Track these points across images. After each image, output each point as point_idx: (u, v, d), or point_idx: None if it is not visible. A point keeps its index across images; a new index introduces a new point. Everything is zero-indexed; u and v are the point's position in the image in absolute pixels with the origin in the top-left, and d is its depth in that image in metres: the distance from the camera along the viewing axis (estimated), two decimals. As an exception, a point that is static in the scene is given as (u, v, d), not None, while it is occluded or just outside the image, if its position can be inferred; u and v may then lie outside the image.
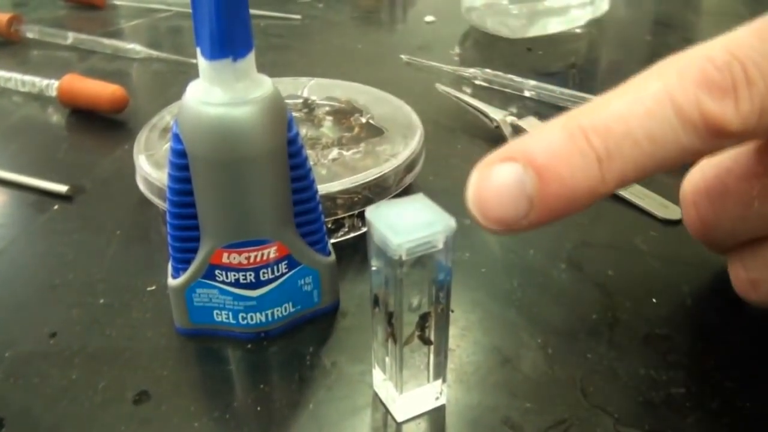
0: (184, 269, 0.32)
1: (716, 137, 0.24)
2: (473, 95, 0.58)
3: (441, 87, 0.58)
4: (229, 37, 0.27)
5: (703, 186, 0.31)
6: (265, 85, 0.29)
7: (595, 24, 0.80)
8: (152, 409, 0.30)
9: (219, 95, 0.28)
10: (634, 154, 0.24)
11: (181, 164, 0.30)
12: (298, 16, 0.84)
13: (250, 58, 0.29)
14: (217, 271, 0.32)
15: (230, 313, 0.33)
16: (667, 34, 0.80)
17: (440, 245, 0.25)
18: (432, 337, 0.28)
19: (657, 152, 0.24)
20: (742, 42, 0.24)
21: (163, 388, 0.31)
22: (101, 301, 0.36)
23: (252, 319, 0.33)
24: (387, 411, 0.30)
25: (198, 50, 0.28)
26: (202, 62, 0.28)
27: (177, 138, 0.29)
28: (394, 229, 0.25)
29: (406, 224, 0.25)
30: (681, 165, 0.26)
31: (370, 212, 0.25)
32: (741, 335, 0.34)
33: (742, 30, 0.25)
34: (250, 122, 0.28)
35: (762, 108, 0.24)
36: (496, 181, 0.25)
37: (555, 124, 0.25)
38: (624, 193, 0.44)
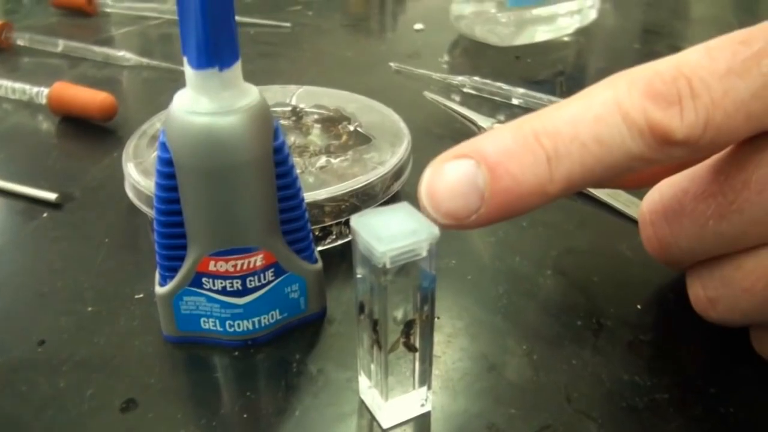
0: (172, 277, 0.32)
1: (662, 144, 0.25)
2: (462, 103, 0.58)
3: (429, 95, 0.58)
4: (216, 46, 0.27)
5: (660, 206, 0.32)
6: (251, 94, 0.29)
7: (583, 32, 0.81)
8: (139, 417, 0.30)
9: (206, 104, 0.28)
10: (582, 155, 0.25)
11: (168, 172, 0.30)
12: (287, 24, 0.84)
13: (237, 68, 0.29)
14: (204, 279, 0.32)
15: (217, 321, 0.33)
16: (655, 42, 0.80)
17: (424, 253, 0.26)
18: (417, 344, 0.28)
19: (604, 156, 0.25)
20: (692, 59, 0.26)
21: (150, 395, 0.31)
22: (89, 308, 0.36)
23: (239, 326, 0.33)
24: (373, 418, 0.30)
25: (185, 59, 0.28)
26: (188, 71, 0.28)
27: (164, 146, 0.29)
28: (378, 237, 0.25)
29: (390, 232, 0.25)
30: (629, 172, 0.26)
31: (355, 220, 0.26)
32: (724, 342, 0.34)
33: (694, 48, 0.26)
34: (237, 131, 0.28)
35: (707, 120, 0.25)
36: (448, 175, 0.26)
37: (508, 126, 0.26)
38: (609, 199, 0.45)
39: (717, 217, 0.29)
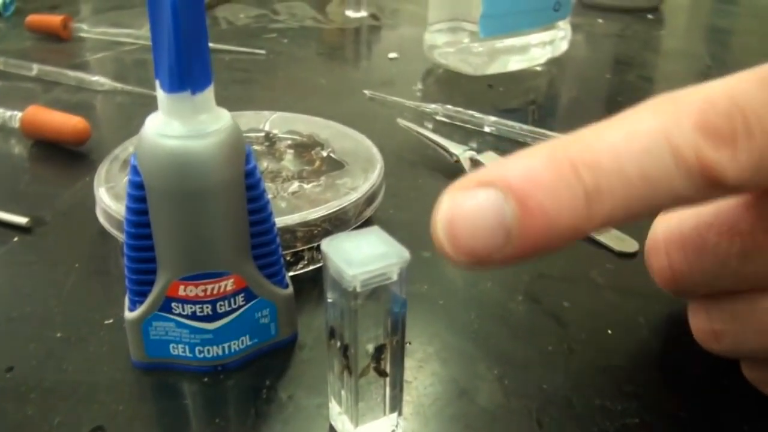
0: (141, 302, 0.32)
1: (710, 186, 0.23)
2: (434, 130, 0.59)
3: (402, 122, 0.59)
4: (188, 70, 0.27)
5: (679, 237, 0.30)
6: (223, 119, 0.29)
7: (555, 62, 0.82)
8: (107, 445, 0.30)
9: (177, 128, 0.28)
10: (625, 192, 0.22)
11: (138, 196, 0.30)
12: (262, 51, 0.84)
13: (209, 92, 0.29)
14: (173, 304, 0.32)
15: (187, 347, 0.33)
16: (626, 73, 0.81)
17: (395, 277, 0.26)
18: (387, 369, 0.28)
19: (648, 193, 0.23)
20: (744, 89, 0.23)
21: (118, 423, 0.31)
22: (58, 334, 0.36)
23: (209, 352, 0.33)
24: (343, 444, 0.30)
25: (157, 83, 0.28)
26: (161, 95, 0.28)
27: (135, 170, 0.29)
28: (348, 261, 0.25)
29: (360, 256, 0.25)
30: (663, 211, 0.25)
31: (326, 244, 0.26)
32: (695, 366, 0.34)
33: (743, 76, 0.24)
34: (208, 155, 0.28)
35: (760, 162, 0.23)
36: (471, 206, 0.22)
37: (540, 151, 0.23)
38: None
39: (741, 257, 0.27)
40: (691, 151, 0.22)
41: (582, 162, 0.22)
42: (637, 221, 0.24)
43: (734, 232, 0.27)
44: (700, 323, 0.31)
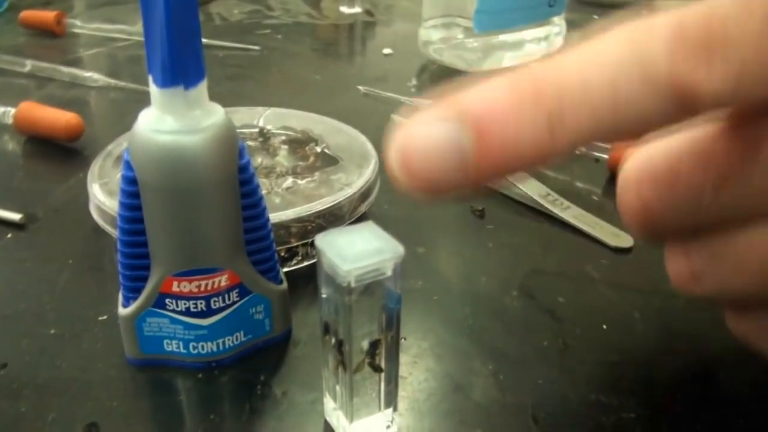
0: (135, 298, 0.32)
1: (685, 104, 0.21)
2: (429, 126, 0.58)
3: (397, 117, 0.59)
4: (181, 65, 0.27)
5: (651, 171, 0.27)
6: (216, 114, 0.29)
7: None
8: (101, 442, 0.30)
9: (170, 123, 0.28)
10: (590, 114, 0.22)
11: (132, 191, 0.29)
12: (256, 47, 0.84)
13: (202, 87, 0.29)
14: (167, 300, 0.31)
15: (181, 343, 0.33)
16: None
17: (389, 272, 0.25)
18: (382, 365, 0.28)
19: (615, 116, 0.22)
20: (722, 4, 0.21)
21: (112, 419, 0.31)
22: (52, 331, 0.36)
23: (203, 348, 0.33)
24: (338, 439, 0.30)
25: (150, 78, 0.28)
26: (153, 90, 0.28)
27: (128, 165, 0.29)
28: (342, 257, 0.25)
29: (355, 251, 0.25)
30: (635, 135, 0.23)
31: (320, 240, 0.26)
32: (690, 361, 0.34)
33: None
34: (201, 150, 0.28)
35: (739, 75, 0.21)
36: (425, 133, 0.22)
37: (505, 75, 0.22)
38: (575, 221, 0.45)
39: (717, 187, 0.25)
40: (664, 67, 0.21)
41: (545, 83, 0.22)
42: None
43: (709, 160, 0.25)
44: (678, 266, 0.29)
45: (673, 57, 0.21)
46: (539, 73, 0.22)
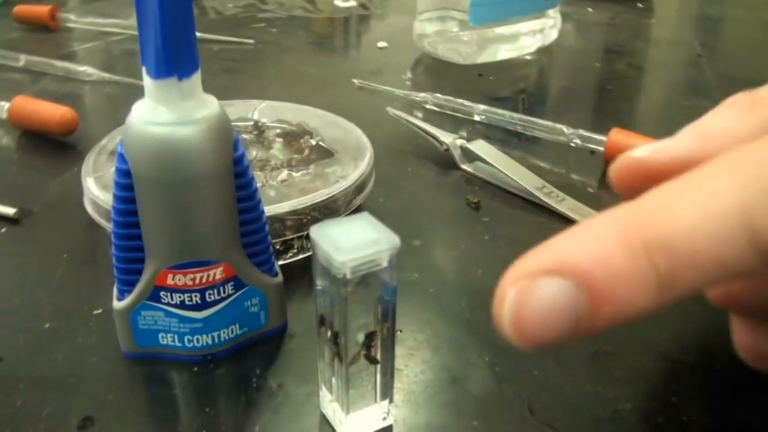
0: (129, 291, 0.32)
1: None
2: (424, 119, 0.58)
3: (392, 110, 0.58)
4: (175, 56, 0.27)
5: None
6: (211, 105, 0.29)
7: (544, 51, 0.81)
8: (96, 435, 0.30)
9: (164, 114, 0.28)
10: (695, 277, 0.21)
11: (126, 184, 0.29)
12: (251, 41, 0.84)
13: (196, 78, 0.28)
14: (162, 293, 0.31)
15: (176, 336, 0.33)
16: (615, 61, 0.81)
17: (385, 263, 0.25)
18: (378, 357, 0.28)
19: (716, 277, 0.21)
20: None
21: (107, 413, 0.31)
22: (47, 325, 0.36)
23: (198, 341, 0.33)
24: (334, 431, 0.30)
25: (144, 69, 0.28)
26: (147, 81, 0.28)
27: (122, 158, 0.29)
28: (338, 248, 0.25)
29: (350, 243, 0.25)
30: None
31: (315, 231, 0.25)
32: (687, 352, 0.34)
33: None
34: (196, 142, 0.28)
35: None
36: (541, 299, 0.21)
37: (607, 228, 0.21)
38: (571, 213, 0.45)
39: None
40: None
41: (658, 246, 0.21)
42: None
43: None
44: (746, 342, 0.30)
45: None
46: (647, 225, 0.21)
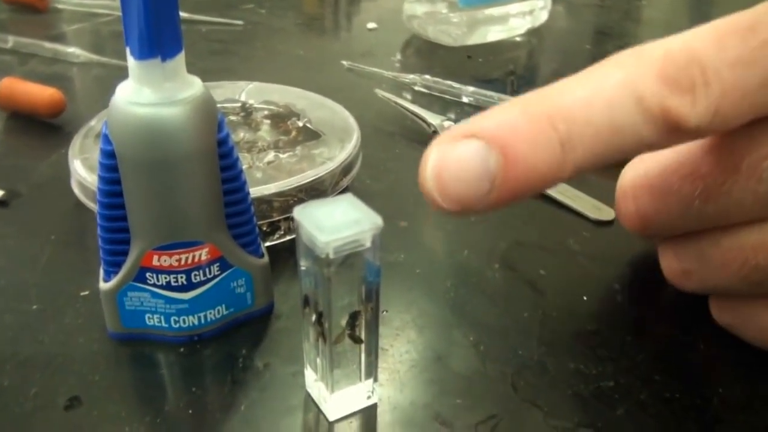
0: (115, 272, 0.32)
1: (672, 132, 0.25)
2: (413, 101, 0.58)
3: (380, 92, 0.58)
4: (158, 36, 0.27)
5: (646, 182, 0.32)
6: (194, 86, 0.29)
7: (534, 33, 0.81)
8: (83, 415, 0.30)
9: (148, 95, 0.28)
10: (594, 141, 0.25)
11: (110, 165, 0.29)
12: (240, 22, 0.83)
13: (180, 59, 0.28)
14: (148, 274, 0.31)
15: (162, 317, 0.33)
16: (606, 43, 0.81)
17: (368, 243, 0.26)
18: (362, 336, 0.28)
19: (615, 142, 0.25)
20: (702, 44, 0.25)
21: (94, 393, 0.31)
22: (34, 306, 0.36)
23: (184, 322, 0.33)
24: (319, 411, 0.30)
25: (127, 50, 0.28)
26: (131, 62, 0.28)
27: (106, 138, 0.29)
28: (321, 228, 0.25)
29: (333, 223, 0.25)
30: (631, 157, 0.27)
31: (298, 212, 0.26)
32: (670, 330, 0.35)
33: (702, 32, 0.26)
34: (179, 122, 0.28)
35: (716, 109, 0.25)
36: (458, 157, 0.24)
37: (514, 105, 0.25)
38: (557, 195, 0.45)
39: (703, 198, 0.29)
40: (654, 100, 0.24)
41: (557, 115, 0.24)
42: (607, 166, 0.26)
43: (696, 175, 0.29)
44: (670, 263, 0.33)
45: (663, 92, 0.24)
46: (549, 104, 0.25)
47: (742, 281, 0.30)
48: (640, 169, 0.32)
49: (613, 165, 0.28)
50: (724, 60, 0.25)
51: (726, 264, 0.30)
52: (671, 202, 0.31)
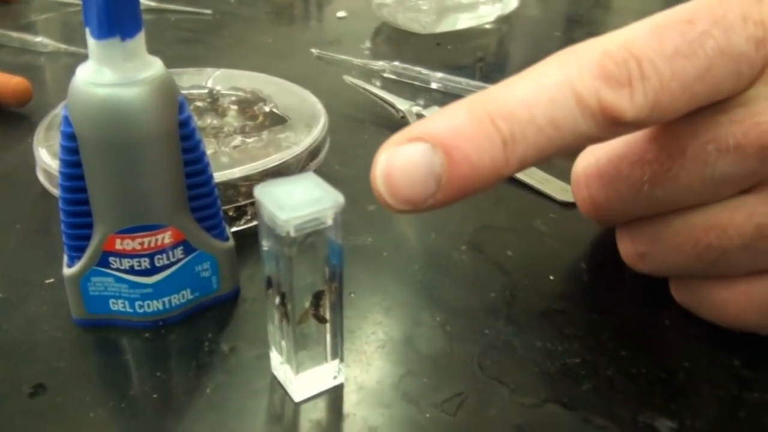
0: (79, 257, 0.31)
1: (612, 125, 0.26)
2: (382, 88, 0.58)
3: (349, 78, 0.58)
4: (117, 15, 0.27)
5: (596, 169, 0.33)
6: (155, 66, 0.29)
7: (504, 20, 0.81)
8: (48, 402, 0.29)
9: (108, 76, 0.28)
10: (537, 138, 0.26)
11: (71, 147, 0.29)
12: (209, 11, 0.83)
13: (140, 39, 0.28)
14: (111, 258, 0.31)
15: (126, 302, 0.32)
16: (575, 30, 0.82)
17: (329, 221, 0.25)
18: (327, 316, 0.28)
19: (556, 137, 0.26)
20: (639, 39, 0.26)
21: (59, 380, 0.30)
22: (-1, 295, 0.35)
23: (149, 307, 0.32)
24: (285, 393, 0.30)
25: (87, 30, 0.28)
26: (90, 42, 0.28)
27: (67, 120, 0.29)
28: (281, 206, 0.25)
29: (294, 201, 0.25)
30: (578, 149, 0.28)
31: (259, 190, 0.25)
32: (635, 307, 0.35)
33: (641, 26, 0.27)
34: (140, 103, 0.28)
35: (655, 102, 0.26)
36: (404, 159, 0.25)
37: (459, 106, 0.26)
38: (524, 177, 0.45)
39: (652, 183, 0.30)
40: (592, 97, 0.25)
41: (498, 114, 0.25)
42: (552, 160, 0.27)
43: (644, 161, 0.30)
44: (627, 247, 0.34)
45: (600, 88, 0.25)
46: (491, 104, 0.26)
47: (696, 261, 0.31)
48: (591, 157, 0.33)
49: (569, 153, 0.29)
50: (661, 53, 0.26)
51: (679, 245, 0.31)
52: (621, 188, 0.32)
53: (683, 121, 0.28)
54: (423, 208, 0.26)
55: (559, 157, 0.27)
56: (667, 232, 0.31)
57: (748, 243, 0.29)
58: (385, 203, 0.26)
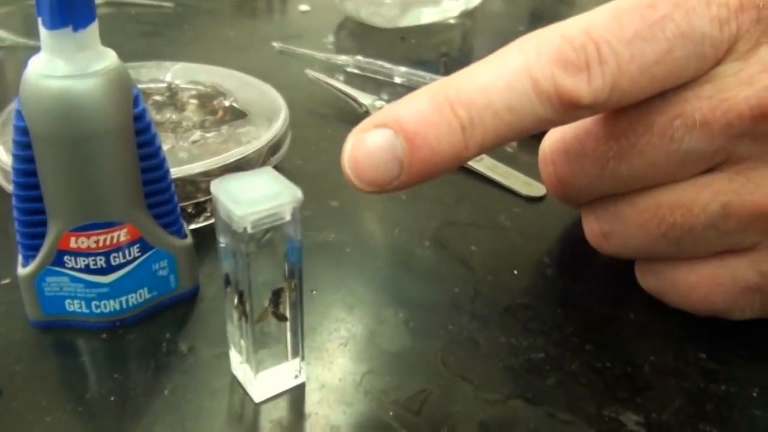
0: (33, 256, 0.31)
1: (569, 109, 0.27)
2: (345, 82, 0.58)
3: (311, 73, 0.58)
4: (69, 5, 0.26)
5: (562, 146, 0.33)
6: (109, 58, 0.28)
7: (468, 15, 0.81)
8: (3, 406, 0.29)
9: (60, 67, 0.27)
10: (495, 123, 0.27)
11: (23, 142, 0.28)
12: (170, 4, 0.81)
13: (93, 29, 0.27)
14: (66, 257, 0.30)
15: (83, 302, 0.32)
16: (539, 25, 0.81)
17: (287, 217, 0.25)
18: (287, 314, 0.27)
19: (515, 122, 0.27)
20: (600, 23, 0.27)
21: (15, 384, 0.30)
22: (-48, 297, 0.34)
23: (105, 307, 0.32)
24: (245, 392, 0.29)
25: (39, 20, 0.27)
26: (42, 32, 0.27)
27: (19, 114, 0.28)
28: (237, 202, 0.24)
29: (251, 196, 0.24)
30: (538, 132, 0.28)
31: (215, 185, 0.25)
32: (600, 302, 0.35)
33: (602, 10, 0.27)
34: (93, 96, 0.27)
35: (613, 85, 0.26)
36: (369, 145, 0.27)
37: (422, 94, 0.27)
38: (489, 172, 0.45)
39: (617, 159, 0.30)
40: (549, 82, 0.26)
41: (458, 100, 0.27)
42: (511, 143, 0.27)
43: (610, 136, 0.30)
44: (591, 226, 0.34)
45: (556, 73, 0.26)
46: (451, 91, 0.27)
47: (661, 240, 0.31)
48: (557, 133, 0.34)
49: (534, 136, 0.29)
50: (620, 37, 0.26)
51: (644, 223, 0.31)
52: (587, 164, 0.32)
53: (650, 97, 0.28)
54: (390, 189, 0.27)
55: (521, 138, 0.28)
56: (632, 210, 0.31)
57: (714, 222, 0.29)
58: (353, 185, 0.27)
